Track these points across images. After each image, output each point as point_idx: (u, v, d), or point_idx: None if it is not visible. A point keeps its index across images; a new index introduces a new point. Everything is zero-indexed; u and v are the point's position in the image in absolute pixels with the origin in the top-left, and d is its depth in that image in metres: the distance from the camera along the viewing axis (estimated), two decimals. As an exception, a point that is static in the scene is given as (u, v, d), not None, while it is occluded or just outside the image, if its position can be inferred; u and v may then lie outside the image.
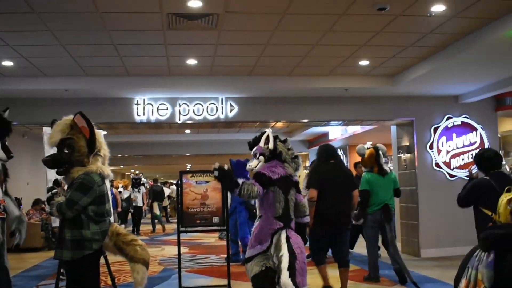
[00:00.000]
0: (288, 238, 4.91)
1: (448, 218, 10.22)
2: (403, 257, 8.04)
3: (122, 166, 28.25)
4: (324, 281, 6.39)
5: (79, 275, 4.05)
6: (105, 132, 5.80)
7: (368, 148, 7.90)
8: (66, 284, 4.23)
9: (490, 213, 4.66)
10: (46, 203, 4.26)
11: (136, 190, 16.62)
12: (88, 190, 3.99)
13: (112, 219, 6.16)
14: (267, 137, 5.40)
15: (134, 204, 16.51)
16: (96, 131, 4.31)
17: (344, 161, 17.83)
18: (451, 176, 10.41)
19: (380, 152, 7.66)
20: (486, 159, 5.38)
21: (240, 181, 4.63)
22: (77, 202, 3.93)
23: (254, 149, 5.40)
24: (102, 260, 4.47)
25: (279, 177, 5.07)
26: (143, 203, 16.90)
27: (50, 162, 4.21)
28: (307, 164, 19.71)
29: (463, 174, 10.35)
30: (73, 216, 3.95)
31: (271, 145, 5.19)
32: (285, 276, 4.69)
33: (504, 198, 4.09)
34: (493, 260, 2.01)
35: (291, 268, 4.76)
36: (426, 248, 10.11)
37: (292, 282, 4.69)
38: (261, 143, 5.31)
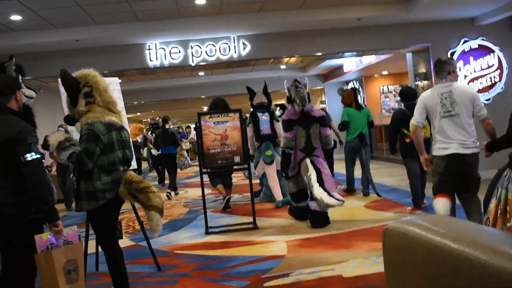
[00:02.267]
0: (312, 162, 6.89)
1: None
2: (427, 185, 8.36)
3: (139, 114, 28.34)
4: None
5: (98, 223, 4.21)
6: (120, 80, 5.82)
7: (346, 89, 9.80)
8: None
9: (406, 131, 7.20)
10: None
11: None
12: (97, 140, 4.01)
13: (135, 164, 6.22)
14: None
15: (153, 153, 14.19)
16: (95, 78, 4.24)
17: (361, 92, 17.71)
18: (470, 100, 10.28)
19: (357, 92, 9.50)
20: (407, 94, 7.64)
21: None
22: (94, 152, 3.97)
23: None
24: (129, 206, 4.54)
25: (298, 117, 7.02)
26: None
27: (66, 118, 4.40)
28: (323, 98, 19.62)
29: (482, 98, 10.23)
30: (93, 166, 3.99)
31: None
32: (316, 188, 6.64)
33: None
34: (523, 178, 2.01)
35: (320, 180, 6.70)
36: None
37: (323, 189, 6.61)
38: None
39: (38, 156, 3.55)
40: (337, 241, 6.15)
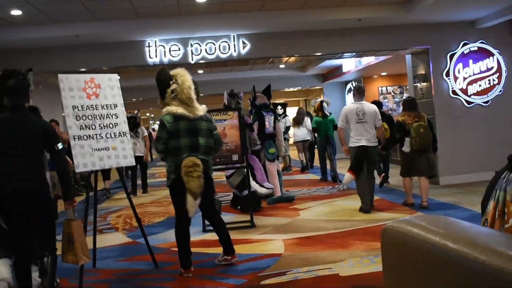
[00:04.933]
0: (246, 158, 7.76)
1: (466, 145, 10.23)
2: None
3: (136, 111, 28.29)
4: None
5: (172, 198, 5.18)
6: (119, 77, 5.86)
7: (317, 101, 12.72)
8: None
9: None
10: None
11: (131, 133, 10.21)
12: (162, 128, 5.00)
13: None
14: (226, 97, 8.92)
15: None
16: (183, 78, 5.12)
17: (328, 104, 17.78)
18: (468, 103, 10.33)
19: (324, 104, 12.14)
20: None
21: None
22: (160, 137, 4.98)
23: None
24: (127, 202, 4.59)
25: None
26: (144, 151, 11.94)
27: None
28: (322, 98, 19.63)
29: (480, 100, 10.27)
30: (162, 148, 5.00)
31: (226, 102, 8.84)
32: (251, 181, 8.10)
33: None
34: (523, 180, 2.01)
35: (253, 175, 8.37)
36: (445, 175, 10.14)
37: (255, 181, 8.34)
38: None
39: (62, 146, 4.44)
40: (334, 240, 6.18)
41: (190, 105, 5.06)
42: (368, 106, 7.90)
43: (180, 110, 4.98)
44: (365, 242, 5.96)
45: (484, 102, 10.31)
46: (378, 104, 9.96)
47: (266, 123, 9.31)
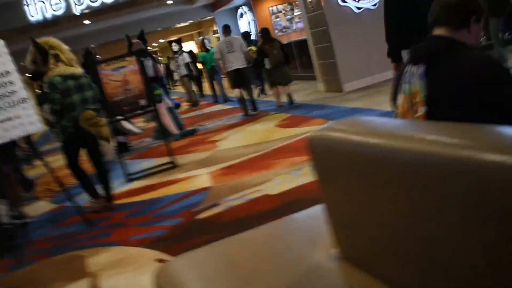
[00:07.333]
0: None
1: (362, 49, 10.55)
2: (328, 95, 9.03)
3: (27, 74, 26.90)
4: None
5: (65, 151, 5.67)
6: (3, 42, 5.55)
7: (199, 39, 15.69)
8: None
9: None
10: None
11: None
12: (53, 89, 5.33)
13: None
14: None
15: None
16: (56, 42, 5.61)
17: (251, 17, 17.76)
18: (358, 8, 10.55)
19: (205, 41, 15.28)
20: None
21: None
22: (54, 98, 5.31)
23: None
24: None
25: None
26: None
27: (32, 74, 6.11)
28: (215, 28, 19.49)
29: (369, 4, 10.54)
30: (58, 108, 5.36)
31: None
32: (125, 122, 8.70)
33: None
34: (424, 70, 2.17)
35: None
36: (347, 82, 10.48)
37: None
38: None
39: None
40: (256, 163, 6.35)
41: (73, 65, 5.61)
42: (235, 39, 10.29)
43: (68, 70, 5.48)
44: (286, 159, 6.16)
45: (372, 5, 10.58)
46: (247, 34, 14.73)
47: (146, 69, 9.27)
